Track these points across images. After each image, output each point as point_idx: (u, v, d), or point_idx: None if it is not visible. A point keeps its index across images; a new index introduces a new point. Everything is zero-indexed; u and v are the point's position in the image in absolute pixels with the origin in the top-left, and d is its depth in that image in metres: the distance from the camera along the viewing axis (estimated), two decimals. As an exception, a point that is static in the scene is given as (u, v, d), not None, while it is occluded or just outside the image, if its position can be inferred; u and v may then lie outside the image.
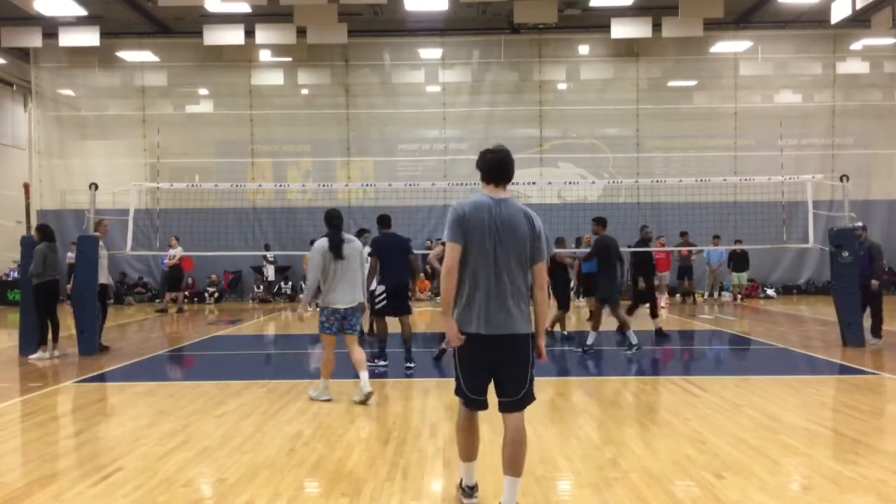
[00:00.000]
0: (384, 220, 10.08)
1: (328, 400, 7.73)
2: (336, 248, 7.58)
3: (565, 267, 13.30)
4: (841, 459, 5.54)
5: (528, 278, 4.39)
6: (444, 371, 9.39)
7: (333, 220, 7.72)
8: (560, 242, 13.39)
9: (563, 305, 12.65)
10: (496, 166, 4.42)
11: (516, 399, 4.30)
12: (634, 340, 10.97)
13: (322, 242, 7.65)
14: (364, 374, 7.76)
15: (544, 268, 4.47)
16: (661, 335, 12.52)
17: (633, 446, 5.90)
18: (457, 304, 4.31)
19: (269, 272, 22.17)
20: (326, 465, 5.50)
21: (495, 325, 4.24)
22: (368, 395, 7.66)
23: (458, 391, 4.43)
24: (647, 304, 12.80)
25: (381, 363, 9.83)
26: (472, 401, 4.38)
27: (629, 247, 13.00)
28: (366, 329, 12.24)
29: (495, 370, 4.31)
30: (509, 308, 4.25)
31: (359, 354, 7.82)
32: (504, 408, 4.33)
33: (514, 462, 4.27)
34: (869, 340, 11.31)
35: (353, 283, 7.71)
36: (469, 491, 4.63)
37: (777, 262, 22.45)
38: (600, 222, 11.35)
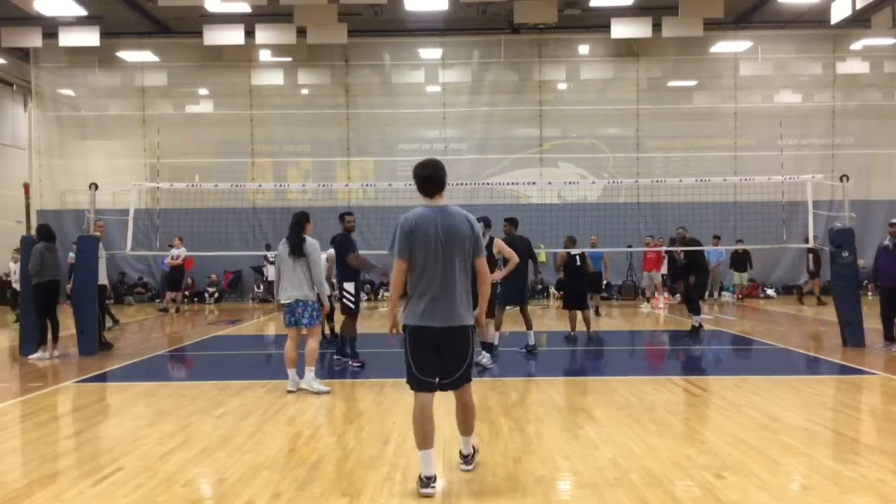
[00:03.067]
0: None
1: (289, 391, 8.12)
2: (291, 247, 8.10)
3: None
4: (841, 459, 5.53)
5: (471, 272, 4.98)
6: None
7: (291, 222, 8.22)
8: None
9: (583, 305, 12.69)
10: (427, 181, 4.92)
11: (453, 379, 4.93)
12: (532, 342, 11.04)
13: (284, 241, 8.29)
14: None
15: (484, 260, 5.03)
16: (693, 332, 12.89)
17: (633, 446, 5.89)
18: (411, 299, 4.91)
19: (270, 272, 22.13)
20: (326, 465, 5.50)
21: (443, 318, 4.83)
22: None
23: (409, 379, 4.94)
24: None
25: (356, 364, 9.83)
26: (422, 382, 4.88)
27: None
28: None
29: (441, 355, 4.88)
30: (455, 303, 4.86)
31: (306, 349, 8.18)
32: (445, 387, 4.96)
33: (465, 424, 5.14)
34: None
35: (293, 281, 8.10)
36: (426, 481, 4.79)
37: (777, 262, 22.45)
38: (511, 222, 11.27)
